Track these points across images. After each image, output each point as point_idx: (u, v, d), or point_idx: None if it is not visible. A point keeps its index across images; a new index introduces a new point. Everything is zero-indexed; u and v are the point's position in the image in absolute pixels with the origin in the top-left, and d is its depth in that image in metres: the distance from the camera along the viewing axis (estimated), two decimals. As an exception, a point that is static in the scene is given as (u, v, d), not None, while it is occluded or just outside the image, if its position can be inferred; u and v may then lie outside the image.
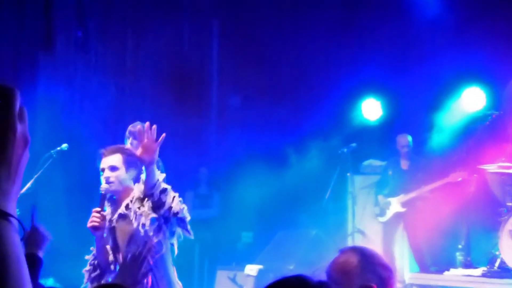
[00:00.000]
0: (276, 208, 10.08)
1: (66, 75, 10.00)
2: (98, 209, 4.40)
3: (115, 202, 4.61)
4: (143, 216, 4.30)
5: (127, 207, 4.48)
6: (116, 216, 4.54)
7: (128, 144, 6.19)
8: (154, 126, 4.25)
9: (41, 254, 3.35)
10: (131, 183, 4.55)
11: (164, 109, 9.96)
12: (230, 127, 10.57)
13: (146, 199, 4.29)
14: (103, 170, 4.53)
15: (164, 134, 4.22)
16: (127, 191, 4.54)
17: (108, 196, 4.60)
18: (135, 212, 4.35)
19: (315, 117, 10.24)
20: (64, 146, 6.80)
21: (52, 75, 9.79)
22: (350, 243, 9.05)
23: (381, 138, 9.85)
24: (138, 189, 4.44)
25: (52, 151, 6.77)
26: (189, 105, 10.38)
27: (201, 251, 10.10)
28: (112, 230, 4.57)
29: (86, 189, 7.47)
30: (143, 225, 4.31)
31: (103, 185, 4.49)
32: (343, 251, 2.72)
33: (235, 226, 10.35)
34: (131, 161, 4.50)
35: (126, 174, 4.52)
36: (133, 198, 4.46)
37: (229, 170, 10.25)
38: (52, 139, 7.60)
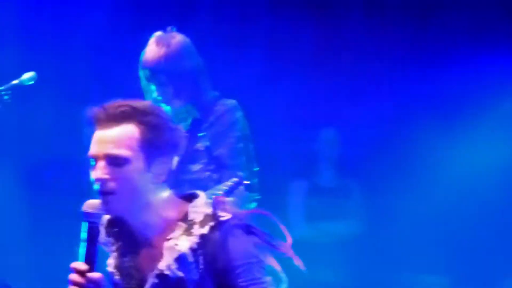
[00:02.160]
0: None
1: None
2: (83, 266, 2.40)
3: (123, 238, 2.64)
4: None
5: (179, 260, 2.49)
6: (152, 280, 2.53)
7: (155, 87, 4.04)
8: None
9: None
10: (155, 196, 2.54)
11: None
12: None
13: None
14: (95, 159, 2.51)
15: None
16: (149, 216, 2.54)
17: (103, 225, 2.61)
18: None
19: None
20: (28, 76, 4.21)
21: None
22: None
23: None
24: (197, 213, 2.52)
25: (1, 88, 4.20)
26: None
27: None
28: None
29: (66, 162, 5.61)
30: None
31: (92, 203, 2.45)
32: None
33: (404, 260, 6.22)
34: (158, 142, 2.52)
35: (146, 175, 2.51)
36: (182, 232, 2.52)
37: (388, 129, 6.17)
38: (6, 63, 5.34)
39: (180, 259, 2.47)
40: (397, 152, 6.21)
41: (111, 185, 2.46)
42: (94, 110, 2.50)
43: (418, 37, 6.40)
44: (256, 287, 2.43)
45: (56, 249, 4.66)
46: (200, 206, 2.49)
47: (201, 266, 2.49)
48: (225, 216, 2.44)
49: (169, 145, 2.54)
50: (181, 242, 2.48)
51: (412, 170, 6.12)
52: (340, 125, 6.34)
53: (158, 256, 2.49)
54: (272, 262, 2.53)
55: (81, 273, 2.40)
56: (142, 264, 2.56)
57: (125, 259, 2.58)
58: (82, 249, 2.43)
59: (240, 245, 2.43)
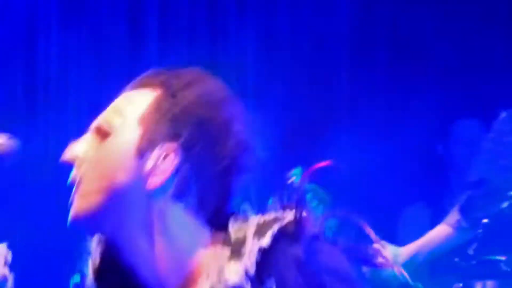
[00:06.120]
0: None
1: None
2: None
3: None
4: None
5: None
6: None
7: None
8: None
9: None
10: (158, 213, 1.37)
11: None
12: None
13: None
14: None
15: None
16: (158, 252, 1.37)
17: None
18: None
19: None
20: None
21: None
22: None
23: None
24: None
25: None
26: None
27: None
28: None
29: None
30: None
31: None
32: None
33: None
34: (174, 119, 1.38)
35: (138, 162, 1.38)
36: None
37: None
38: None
39: None
40: None
41: (80, 168, 1.39)
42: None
43: None
44: None
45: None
46: (249, 219, 1.40)
47: None
48: (292, 217, 1.35)
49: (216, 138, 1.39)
50: (228, 270, 1.38)
51: None
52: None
53: None
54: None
55: None
56: None
57: None
58: None
59: (331, 261, 1.35)
